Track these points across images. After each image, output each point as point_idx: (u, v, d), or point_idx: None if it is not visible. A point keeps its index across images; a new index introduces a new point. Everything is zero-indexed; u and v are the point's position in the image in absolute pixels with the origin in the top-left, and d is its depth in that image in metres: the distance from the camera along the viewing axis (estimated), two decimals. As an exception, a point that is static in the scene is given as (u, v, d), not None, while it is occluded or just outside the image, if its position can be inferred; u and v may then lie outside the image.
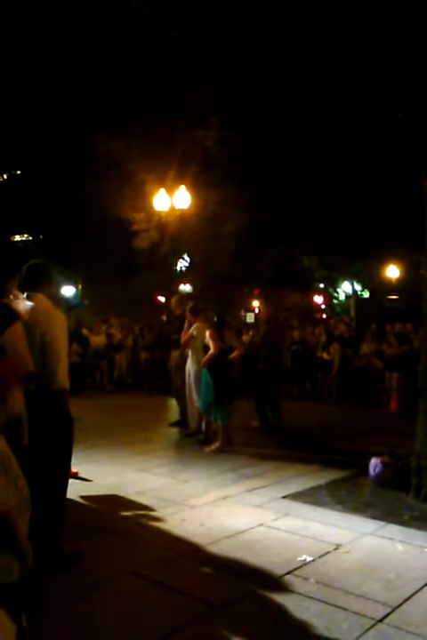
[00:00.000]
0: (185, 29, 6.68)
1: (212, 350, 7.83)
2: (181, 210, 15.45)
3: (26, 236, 21.59)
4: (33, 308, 3.98)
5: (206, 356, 7.89)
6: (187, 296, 18.55)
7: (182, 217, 15.85)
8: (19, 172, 18.08)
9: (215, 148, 16.15)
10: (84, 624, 3.22)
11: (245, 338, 15.12)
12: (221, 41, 6.80)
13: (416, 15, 5.35)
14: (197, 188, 16.32)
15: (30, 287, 4.13)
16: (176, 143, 16.32)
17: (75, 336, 14.91)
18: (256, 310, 30.53)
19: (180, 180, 15.75)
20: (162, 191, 15.33)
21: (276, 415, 9.84)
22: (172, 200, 15.27)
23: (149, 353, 15.42)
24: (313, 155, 15.55)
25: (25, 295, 4.10)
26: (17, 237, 19.88)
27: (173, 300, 10.34)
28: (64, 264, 22.88)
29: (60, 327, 4.09)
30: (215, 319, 8.31)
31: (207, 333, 7.99)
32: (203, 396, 8.01)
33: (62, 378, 3.98)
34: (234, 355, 8.14)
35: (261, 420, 9.66)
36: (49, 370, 3.89)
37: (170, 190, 15.32)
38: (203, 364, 7.97)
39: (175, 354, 9.57)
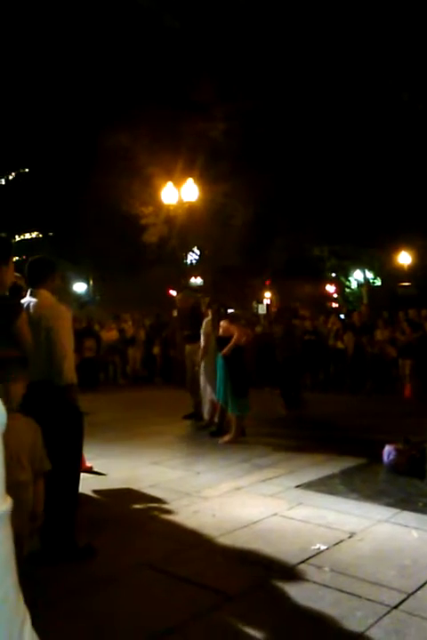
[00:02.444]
0: (186, 21, 6.67)
1: (236, 335, 7.84)
2: (190, 203, 15.42)
3: (36, 233, 21.70)
4: (37, 304, 3.99)
5: (230, 344, 7.87)
6: (195, 290, 18.53)
7: (191, 210, 15.82)
8: (27, 170, 18.15)
9: (221, 139, 16.10)
10: (98, 616, 3.23)
11: (258, 329, 15.10)
12: (222, 30, 6.77)
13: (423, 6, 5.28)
14: (204, 180, 16.29)
15: (34, 283, 4.13)
16: (183, 136, 16.30)
17: (87, 332, 14.99)
18: (268, 301, 30.51)
19: (187, 172, 15.73)
20: (170, 184, 15.31)
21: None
22: (180, 193, 15.24)
23: (162, 347, 15.48)
24: (321, 143, 15.44)
25: (29, 291, 4.11)
26: (27, 235, 19.98)
27: (179, 296, 10.44)
28: (75, 260, 23.01)
29: (65, 322, 4.09)
30: (222, 310, 8.32)
31: (223, 324, 8.00)
32: (219, 386, 7.98)
33: (69, 372, 3.98)
34: (233, 341, 8.03)
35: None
36: (55, 365, 3.90)
37: (178, 183, 15.30)
38: (226, 351, 7.91)
39: (189, 348, 9.56)
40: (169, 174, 15.83)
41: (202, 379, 8.70)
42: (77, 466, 4.22)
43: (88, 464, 6.22)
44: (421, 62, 5.35)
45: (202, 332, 8.59)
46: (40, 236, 24.51)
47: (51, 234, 25.21)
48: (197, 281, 24.51)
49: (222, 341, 7.96)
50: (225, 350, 7.86)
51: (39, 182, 20.71)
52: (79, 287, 29.08)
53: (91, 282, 29.34)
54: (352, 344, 13.76)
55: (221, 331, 8.03)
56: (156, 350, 15.80)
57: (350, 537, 4.34)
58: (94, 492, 5.61)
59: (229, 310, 9.52)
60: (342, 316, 16.20)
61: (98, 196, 18.23)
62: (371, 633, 3.01)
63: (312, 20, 5.73)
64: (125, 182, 17.60)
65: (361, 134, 14.56)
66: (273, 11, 5.84)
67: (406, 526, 4.56)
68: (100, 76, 16.88)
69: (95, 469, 6.32)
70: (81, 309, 20.33)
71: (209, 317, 8.54)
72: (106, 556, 4.04)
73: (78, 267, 24.93)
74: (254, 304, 27.90)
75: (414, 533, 4.42)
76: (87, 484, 5.48)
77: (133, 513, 5.05)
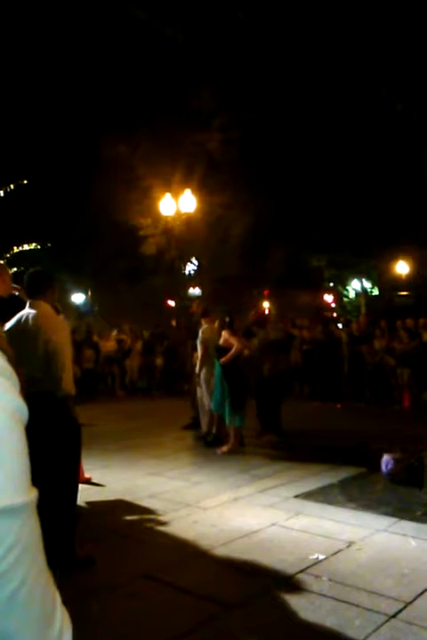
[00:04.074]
0: (188, 33, 6.75)
1: (236, 346, 7.85)
2: (187, 214, 15.48)
3: (34, 244, 21.75)
4: (36, 315, 4.02)
5: (229, 354, 7.88)
6: (204, 299, 18.59)
7: (189, 221, 15.89)
8: (25, 182, 18.23)
9: (219, 150, 16.19)
10: (97, 626, 3.24)
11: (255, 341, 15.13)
12: (222, 43, 6.85)
13: (415, 13, 5.35)
14: (202, 191, 16.37)
15: (33, 294, 4.16)
16: (181, 147, 16.38)
17: (86, 343, 15.02)
18: (266, 311, 30.52)
19: (185, 183, 15.80)
20: (168, 196, 15.38)
21: (276, 428, 8.79)
22: (177, 204, 15.31)
23: (164, 358, 15.53)
24: (318, 153, 15.53)
25: (28, 302, 4.14)
26: (25, 246, 20.03)
27: (194, 304, 10.44)
28: (74, 271, 23.03)
29: (63, 333, 4.13)
30: (226, 319, 8.32)
31: (224, 334, 8.02)
32: (216, 396, 7.99)
33: (67, 384, 4.00)
34: (233, 351, 7.97)
35: (261, 428, 8.82)
36: (54, 376, 3.92)
37: (175, 194, 15.37)
38: (225, 361, 7.90)
39: (196, 356, 9.56)
40: (167, 185, 15.92)
41: (199, 389, 8.71)
42: (76, 477, 4.23)
43: (87, 475, 6.23)
44: (413, 74, 5.43)
45: (198, 341, 8.60)
46: (38, 247, 24.55)
47: (49, 245, 25.25)
48: (195, 291, 24.54)
49: (222, 351, 7.98)
50: (224, 360, 7.88)
51: (38, 194, 20.78)
52: (78, 298, 29.09)
53: (89, 293, 29.36)
54: (348, 353, 13.77)
55: (221, 340, 8.05)
56: (158, 361, 15.83)
57: (348, 546, 4.35)
58: (93, 503, 5.61)
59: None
60: (340, 326, 16.22)
61: (96, 207, 18.30)
62: (369, 642, 3.02)
63: (309, 32, 5.82)
64: (124, 193, 17.67)
65: (358, 145, 14.66)
66: (271, 22, 5.93)
67: (404, 535, 4.58)
68: (99, 86, 16.98)
69: (94, 480, 6.33)
70: (80, 320, 20.34)
71: (206, 326, 8.55)
72: (105, 566, 4.05)
73: (77, 277, 24.95)
74: (253, 314, 27.89)
75: (413, 542, 4.43)
76: (86, 495, 5.50)
77: (132, 524, 5.06)
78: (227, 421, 8.00)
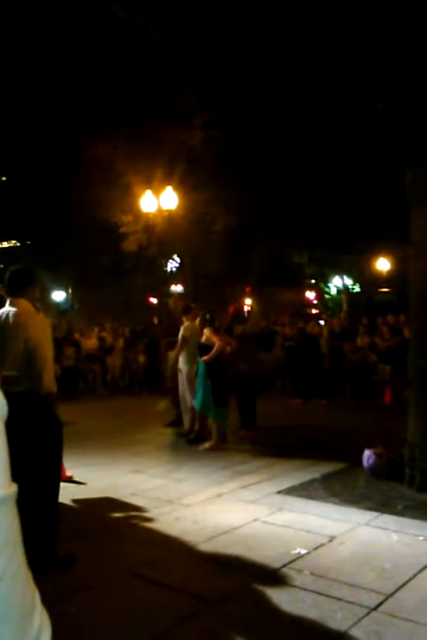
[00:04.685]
0: (167, 32, 6.72)
1: (217, 345, 7.84)
2: (169, 210, 15.44)
3: (14, 242, 21.60)
4: (16, 313, 3.98)
5: (212, 352, 7.86)
6: (184, 296, 18.58)
7: (170, 218, 15.84)
8: (4, 179, 18.04)
9: (201, 147, 16.16)
10: (77, 624, 3.22)
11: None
12: (202, 41, 6.83)
13: (396, 12, 5.39)
14: (184, 188, 16.31)
15: (13, 292, 4.12)
16: (162, 144, 16.31)
17: (67, 340, 14.91)
18: (248, 308, 30.61)
19: (166, 181, 15.74)
20: (149, 192, 15.31)
21: (252, 425, 8.81)
22: (159, 201, 15.26)
23: (146, 355, 15.48)
24: (299, 150, 15.58)
25: (8, 300, 4.09)
26: (5, 243, 19.84)
27: (172, 300, 10.41)
28: (54, 269, 22.87)
29: (44, 331, 4.10)
30: (207, 317, 8.31)
31: (206, 332, 8.01)
32: (200, 394, 7.97)
33: (48, 381, 3.97)
34: (215, 350, 7.97)
35: (241, 427, 8.80)
36: (35, 374, 3.89)
37: (157, 191, 15.31)
38: (208, 359, 7.88)
39: (172, 355, 9.57)
40: (148, 182, 15.84)
41: (181, 386, 8.70)
42: (57, 475, 4.20)
43: (68, 473, 6.18)
44: (394, 74, 5.47)
45: (180, 336, 8.60)
46: (18, 244, 24.33)
47: (29, 242, 25.04)
48: (177, 288, 24.51)
49: (204, 349, 7.97)
50: (207, 357, 7.87)
51: (17, 191, 20.59)
52: (58, 295, 28.90)
53: (70, 290, 29.17)
54: (328, 349, 13.83)
55: (203, 338, 8.04)
56: (141, 358, 15.76)
57: (330, 541, 4.38)
58: (75, 501, 5.57)
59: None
60: (321, 322, 16.32)
61: (77, 204, 18.15)
62: (351, 634, 3.04)
63: (291, 32, 5.83)
64: (104, 190, 17.56)
65: (339, 143, 14.73)
66: (253, 21, 5.93)
67: (385, 529, 4.62)
68: (80, 83, 16.84)
69: (75, 478, 6.28)
70: (60, 318, 20.20)
71: (187, 323, 8.54)
72: (87, 564, 4.02)
73: (57, 275, 24.78)
74: (231, 311, 27.91)
75: (394, 536, 4.47)
76: (68, 493, 5.45)
77: (114, 521, 5.03)
78: (211, 418, 8.00)
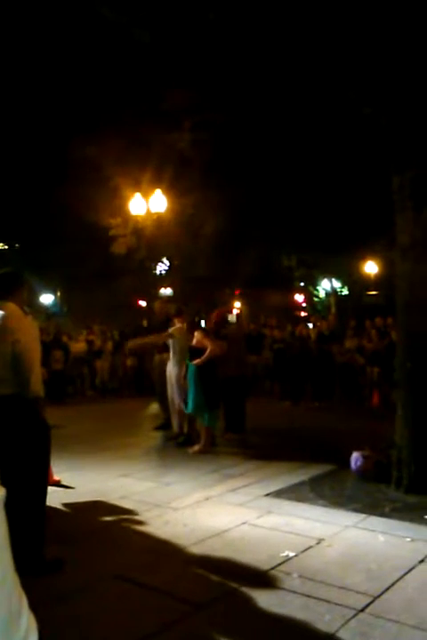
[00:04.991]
0: (156, 33, 6.72)
1: (210, 348, 7.84)
2: (158, 213, 15.45)
3: (2, 245, 21.49)
4: (4, 316, 3.97)
5: (205, 355, 7.86)
6: (168, 299, 18.59)
7: (159, 221, 15.85)
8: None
9: (190, 150, 16.16)
10: (66, 628, 3.21)
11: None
12: (191, 43, 6.84)
13: (382, 15, 5.44)
14: (173, 191, 16.33)
15: (1, 295, 4.11)
16: (151, 147, 16.30)
17: (55, 343, 14.84)
18: (237, 311, 30.66)
19: (156, 183, 15.75)
20: (138, 195, 15.31)
21: (241, 429, 8.84)
22: (148, 204, 15.27)
23: (135, 358, 15.46)
24: (288, 154, 15.64)
25: None
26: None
27: (156, 304, 10.41)
28: (42, 271, 22.78)
29: (31, 335, 4.09)
30: (195, 320, 8.33)
31: (197, 335, 8.01)
32: (191, 397, 7.96)
33: (36, 385, 3.97)
34: (208, 353, 8.01)
35: (226, 430, 8.79)
36: (22, 378, 3.88)
37: (146, 194, 15.32)
38: (200, 362, 7.86)
39: (158, 357, 9.58)
40: (137, 185, 15.84)
41: (169, 389, 8.69)
42: (45, 479, 4.19)
43: (56, 477, 6.17)
44: (381, 79, 5.52)
45: (170, 340, 8.61)
46: (6, 247, 24.20)
47: (17, 245, 24.93)
48: (166, 291, 24.50)
49: (195, 352, 7.97)
50: (199, 361, 7.87)
51: (5, 193, 20.47)
52: (47, 298, 28.78)
53: (58, 293, 29.06)
54: (316, 352, 13.87)
55: (194, 341, 8.04)
56: (129, 362, 15.74)
57: (318, 543, 4.40)
58: (63, 505, 5.56)
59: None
60: (310, 325, 16.39)
61: (65, 207, 18.10)
62: (338, 636, 3.06)
63: (280, 34, 5.85)
64: (93, 193, 17.51)
65: (328, 147, 14.81)
66: (242, 23, 5.95)
67: (373, 531, 4.65)
68: (69, 85, 16.78)
69: (63, 482, 6.27)
70: (48, 321, 20.12)
71: (178, 326, 8.54)
72: (75, 568, 4.01)
73: (46, 278, 24.69)
74: (215, 315, 27.96)
75: (381, 537, 4.50)
76: (56, 498, 5.44)
77: (103, 525, 5.03)
78: (201, 422, 8.00)
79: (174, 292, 23.57)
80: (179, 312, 8.79)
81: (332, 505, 5.38)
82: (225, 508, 5.39)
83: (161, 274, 23.59)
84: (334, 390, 13.40)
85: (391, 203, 6.12)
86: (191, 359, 7.97)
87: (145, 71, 14.11)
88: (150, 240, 16.90)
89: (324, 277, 27.17)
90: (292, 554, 4.17)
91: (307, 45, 5.88)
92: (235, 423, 8.81)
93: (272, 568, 3.94)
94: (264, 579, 3.81)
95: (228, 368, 8.65)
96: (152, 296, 18.31)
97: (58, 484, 6.11)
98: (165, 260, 23.01)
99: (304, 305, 31.43)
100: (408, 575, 3.78)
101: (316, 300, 29.21)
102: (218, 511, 5.27)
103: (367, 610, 3.32)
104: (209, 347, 7.87)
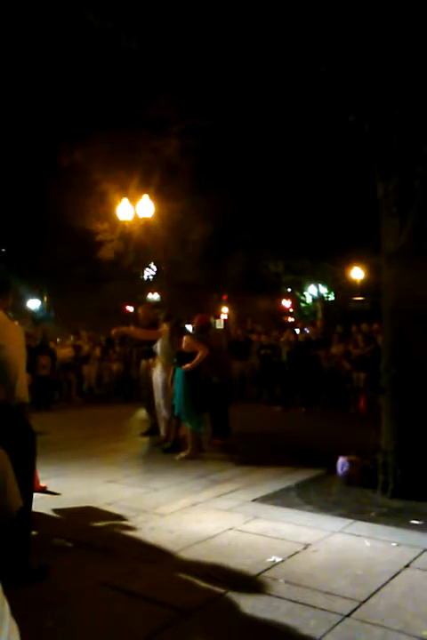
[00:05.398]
0: (142, 39, 6.73)
1: (201, 353, 7.83)
2: (145, 219, 15.44)
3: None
4: None
5: (195, 360, 7.85)
6: (154, 304, 18.57)
7: (147, 226, 15.85)
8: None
9: (177, 156, 16.20)
10: (53, 635, 3.19)
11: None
12: (178, 50, 6.87)
13: (367, 23, 5.50)
14: (160, 196, 16.35)
15: None
16: (138, 153, 16.31)
17: (42, 349, 14.76)
18: (225, 316, 30.73)
19: (143, 189, 15.75)
20: (125, 201, 15.30)
21: (225, 433, 8.87)
22: (135, 209, 15.26)
23: (122, 364, 15.43)
24: (275, 160, 15.72)
25: None
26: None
27: (141, 309, 10.40)
28: (29, 277, 22.67)
29: (16, 341, 4.07)
30: (181, 326, 8.34)
31: (185, 339, 8.01)
32: (179, 402, 7.94)
33: (21, 391, 3.95)
34: (198, 358, 8.03)
35: (213, 436, 8.80)
36: (7, 384, 3.86)
37: (133, 200, 15.31)
38: (190, 367, 7.85)
39: (145, 363, 9.57)
40: (124, 190, 15.83)
41: (156, 395, 8.68)
42: (30, 486, 4.16)
43: (42, 484, 6.13)
44: (365, 88, 5.57)
45: (158, 345, 8.61)
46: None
47: (4, 250, 24.78)
48: (154, 296, 24.48)
49: (184, 357, 7.96)
50: (189, 366, 7.86)
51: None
52: (33, 304, 28.63)
53: (45, 298, 28.92)
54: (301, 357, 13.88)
55: (183, 345, 8.03)
56: (115, 367, 15.70)
57: (304, 548, 4.41)
58: (49, 511, 5.52)
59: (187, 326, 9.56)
60: (297, 331, 16.44)
61: (52, 212, 18.04)
62: (324, 641, 3.07)
63: (266, 43, 5.90)
64: (80, 198, 17.47)
65: (314, 154, 14.91)
66: (229, 30, 5.99)
67: (359, 536, 4.67)
68: (56, 91, 16.75)
69: (49, 489, 6.23)
70: (36, 326, 20.00)
71: (167, 331, 8.53)
72: (60, 575, 3.99)
73: (32, 283, 24.57)
74: (212, 319, 27.99)
75: (367, 543, 4.52)
76: (42, 504, 5.40)
77: (89, 531, 5.00)
78: (188, 426, 7.98)
79: (162, 297, 23.55)
80: (168, 317, 8.79)
81: (318, 510, 5.40)
82: (212, 513, 5.38)
83: (149, 279, 23.57)
84: (320, 396, 13.46)
85: (377, 210, 6.17)
86: (180, 364, 7.97)
87: (132, 78, 14.14)
88: (138, 245, 16.90)
89: (311, 283, 27.28)
90: (278, 559, 4.18)
91: (293, 53, 5.93)
92: (220, 428, 8.82)
93: (259, 574, 3.95)
94: (251, 584, 3.82)
95: (212, 374, 8.66)
96: (140, 301, 18.27)
97: (44, 490, 6.07)
98: (152, 265, 22.99)
99: (291, 310, 31.54)
100: (394, 580, 3.80)
101: (303, 305, 29.32)
102: (205, 517, 5.27)
103: (353, 615, 3.33)
104: (201, 351, 7.87)
